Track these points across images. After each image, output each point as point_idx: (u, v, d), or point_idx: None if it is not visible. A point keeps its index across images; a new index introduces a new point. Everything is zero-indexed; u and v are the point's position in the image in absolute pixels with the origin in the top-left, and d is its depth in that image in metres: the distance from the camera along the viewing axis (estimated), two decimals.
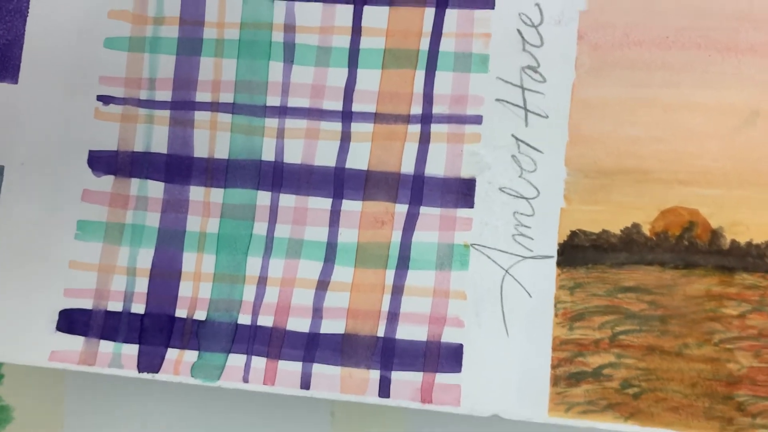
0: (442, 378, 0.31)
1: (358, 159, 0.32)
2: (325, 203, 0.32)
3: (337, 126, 0.33)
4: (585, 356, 0.31)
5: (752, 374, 0.31)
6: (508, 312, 0.32)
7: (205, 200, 0.33)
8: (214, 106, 0.33)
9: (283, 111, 0.33)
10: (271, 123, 0.33)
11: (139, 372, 0.32)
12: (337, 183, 0.32)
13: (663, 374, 0.31)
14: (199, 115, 0.33)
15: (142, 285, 0.32)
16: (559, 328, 0.32)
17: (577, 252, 0.32)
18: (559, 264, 0.32)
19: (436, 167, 0.32)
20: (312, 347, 0.31)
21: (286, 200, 0.32)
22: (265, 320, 0.32)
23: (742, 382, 0.31)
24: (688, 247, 0.32)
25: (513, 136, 0.32)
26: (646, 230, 0.32)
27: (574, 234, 0.32)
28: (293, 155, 0.33)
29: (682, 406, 0.31)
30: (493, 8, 0.32)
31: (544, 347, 0.31)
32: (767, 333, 0.31)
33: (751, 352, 0.31)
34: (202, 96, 0.33)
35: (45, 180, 0.33)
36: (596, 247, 0.32)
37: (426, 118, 0.32)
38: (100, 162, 0.33)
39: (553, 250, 0.32)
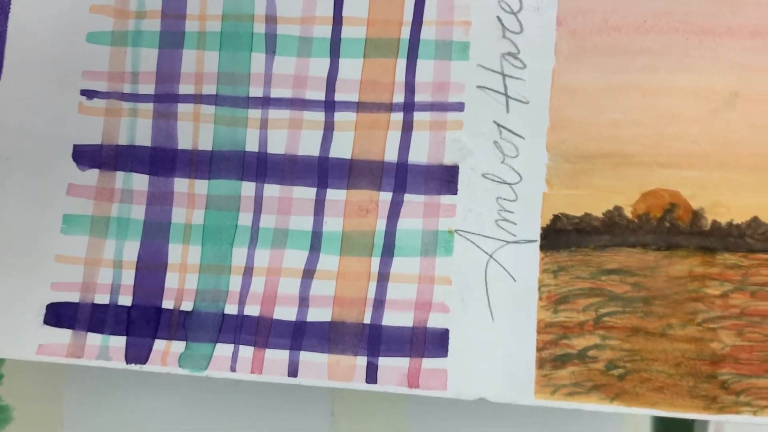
0: (428, 363, 0.31)
1: (342, 148, 0.33)
2: (310, 192, 0.33)
3: (320, 116, 0.33)
4: (570, 338, 0.32)
5: (735, 353, 0.31)
6: (492, 296, 0.32)
7: (189, 192, 0.33)
8: (198, 99, 0.33)
9: (266, 102, 0.33)
10: (254, 114, 0.33)
11: (127, 363, 0.32)
12: (321, 172, 0.33)
13: (647, 355, 0.31)
14: (183, 108, 0.33)
15: (128, 277, 0.33)
16: (544, 312, 0.32)
17: (560, 236, 0.32)
18: (542, 248, 0.32)
19: (419, 155, 0.32)
20: (299, 335, 0.32)
21: (271, 190, 0.33)
22: (252, 310, 0.32)
23: (726, 361, 0.31)
24: (670, 228, 0.32)
25: (495, 122, 0.32)
26: (628, 213, 0.32)
27: (556, 218, 0.32)
28: (277, 145, 0.33)
29: (666, 385, 0.31)
30: None
31: (529, 330, 0.32)
32: (749, 312, 0.31)
33: (733, 330, 0.31)
34: (185, 88, 0.33)
35: (30, 175, 0.33)
36: (579, 231, 0.32)
37: (408, 107, 0.32)
38: (85, 156, 0.33)
39: (537, 235, 0.32)
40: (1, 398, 0.41)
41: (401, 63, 0.33)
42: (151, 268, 0.32)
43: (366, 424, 0.40)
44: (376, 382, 0.31)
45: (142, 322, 0.32)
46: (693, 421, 0.39)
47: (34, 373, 0.41)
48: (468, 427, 0.40)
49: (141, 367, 0.32)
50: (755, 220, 0.32)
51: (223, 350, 0.32)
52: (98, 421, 0.41)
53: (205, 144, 0.33)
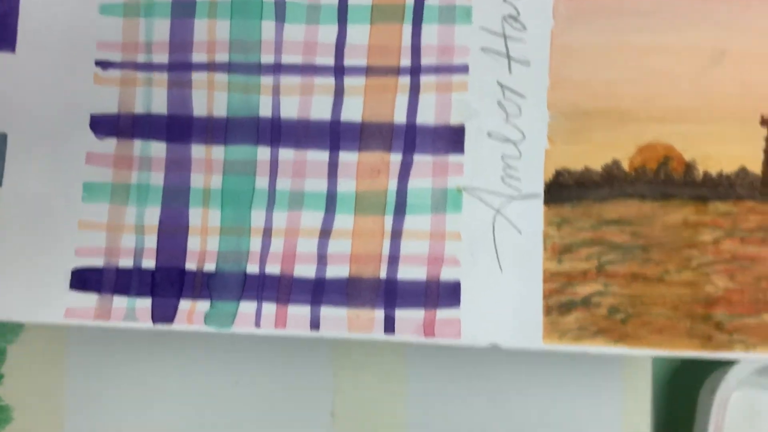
0: (442, 313, 0.33)
1: (352, 112, 0.34)
2: (323, 155, 0.34)
3: (330, 81, 0.34)
4: (574, 286, 0.33)
5: (728, 295, 0.33)
6: (500, 249, 0.34)
7: (207, 158, 0.34)
8: (211, 67, 0.34)
9: (277, 69, 0.34)
10: (267, 81, 0.34)
11: (154, 323, 0.33)
12: (333, 136, 0.34)
13: (647, 299, 0.33)
14: (197, 76, 0.34)
15: (151, 241, 0.34)
16: (549, 262, 0.34)
17: (562, 190, 0.34)
18: (546, 202, 0.34)
19: (426, 116, 0.34)
20: (319, 291, 0.33)
21: (285, 154, 0.34)
22: (273, 269, 0.33)
23: (719, 303, 0.33)
24: (665, 179, 0.34)
25: (498, 83, 0.34)
26: (625, 166, 0.34)
27: (558, 173, 0.34)
28: (290, 111, 0.34)
29: (666, 327, 0.33)
30: None
31: (535, 280, 0.33)
32: (740, 256, 0.33)
33: (726, 274, 0.33)
34: (198, 57, 0.34)
35: (49, 146, 0.34)
36: (580, 184, 0.34)
37: (415, 70, 0.34)
38: (102, 125, 0.34)
39: (540, 189, 0.34)
40: (1, 398, 0.41)
41: (407, 28, 0.34)
42: (173, 232, 0.34)
43: (366, 424, 0.41)
44: (393, 333, 0.33)
45: (166, 283, 0.33)
46: (693, 419, 0.41)
47: (35, 373, 0.41)
48: (467, 421, 0.42)
49: (169, 327, 0.33)
50: (743, 169, 0.34)
51: (247, 308, 0.33)
52: (99, 422, 0.41)
53: (220, 111, 0.34)
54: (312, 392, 0.41)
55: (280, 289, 0.33)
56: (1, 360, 0.41)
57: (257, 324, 0.33)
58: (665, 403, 0.42)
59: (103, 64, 0.34)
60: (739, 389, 0.40)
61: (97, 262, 0.33)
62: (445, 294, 0.33)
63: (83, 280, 0.33)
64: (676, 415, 0.42)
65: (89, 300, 0.33)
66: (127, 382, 0.41)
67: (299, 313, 0.33)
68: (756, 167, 0.34)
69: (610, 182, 0.34)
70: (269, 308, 0.33)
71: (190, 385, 0.41)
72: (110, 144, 0.34)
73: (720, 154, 0.34)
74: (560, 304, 0.33)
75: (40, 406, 0.41)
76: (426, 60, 0.34)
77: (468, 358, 0.41)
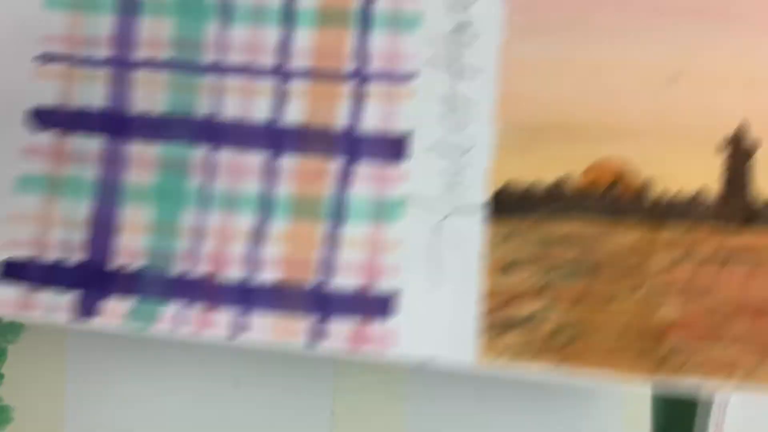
0: (376, 324, 0.32)
1: (294, 115, 0.33)
2: (261, 158, 0.33)
3: (272, 83, 0.33)
4: (516, 304, 0.32)
5: (680, 321, 0.32)
6: (441, 262, 0.32)
7: (142, 154, 0.33)
8: (153, 64, 0.34)
9: (219, 68, 0.33)
10: (207, 80, 0.33)
11: (77, 318, 0.32)
12: (273, 139, 0.33)
13: (593, 322, 0.32)
14: (138, 73, 0.34)
15: (80, 236, 0.33)
16: (491, 277, 0.32)
17: (508, 203, 0.33)
18: (490, 215, 0.33)
19: (370, 123, 0.33)
20: (246, 296, 0.32)
21: (222, 155, 0.33)
22: (201, 270, 0.32)
23: (671, 329, 0.32)
24: (616, 199, 0.32)
25: (446, 92, 0.33)
26: (575, 182, 0.33)
27: (505, 186, 0.33)
28: (229, 111, 0.33)
29: (612, 351, 0.32)
30: None
31: (474, 296, 0.32)
32: (694, 282, 0.32)
33: (679, 299, 0.32)
34: (140, 54, 0.34)
35: None
36: (526, 199, 0.33)
37: (360, 76, 0.33)
38: (39, 118, 0.34)
39: (486, 202, 0.33)
40: (1, 398, 0.41)
41: (353, 33, 0.33)
42: (103, 228, 0.33)
43: (366, 423, 0.40)
44: (320, 342, 0.31)
45: (93, 279, 0.32)
46: (693, 419, 0.40)
47: (35, 374, 0.41)
48: (468, 428, 0.40)
49: (88, 323, 0.32)
50: (699, 192, 0.32)
51: (171, 309, 0.32)
52: (99, 422, 0.41)
53: (158, 109, 0.33)
54: (312, 391, 0.40)
55: (207, 291, 0.32)
56: (2, 360, 0.41)
57: (175, 326, 0.32)
58: (665, 403, 0.41)
59: (43, 58, 0.34)
60: None
61: (25, 254, 0.33)
62: (380, 305, 0.32)
63: (10, 272, 0.33)
64: (676, 415, 0.40)
65: (14, 292, 0.32)
66: (127, 382, 0.41)
67: (223, 317, 0.32)
68: (712, 190, 0.32)
69: (559, 198, 0.33)
70: (192, 311, 0.32)
71: (191, 386, 0.40)
72: (46, 138, 0.33)
73: (675, 175, 0.32)
74: (501, 322, 0.32)
75: (41, 407, 0.40)
76: (372, 66, 0.33)
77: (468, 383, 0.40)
